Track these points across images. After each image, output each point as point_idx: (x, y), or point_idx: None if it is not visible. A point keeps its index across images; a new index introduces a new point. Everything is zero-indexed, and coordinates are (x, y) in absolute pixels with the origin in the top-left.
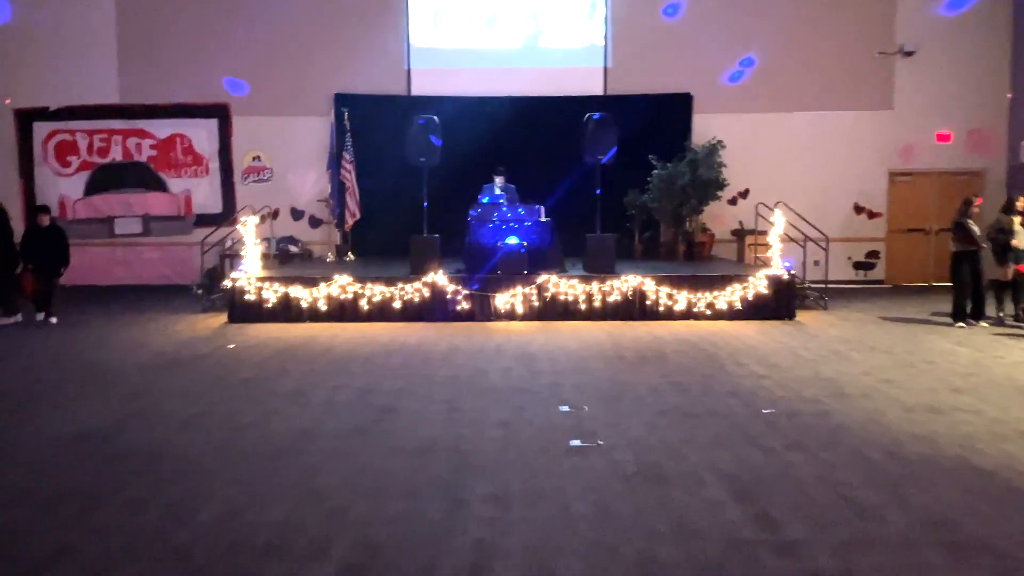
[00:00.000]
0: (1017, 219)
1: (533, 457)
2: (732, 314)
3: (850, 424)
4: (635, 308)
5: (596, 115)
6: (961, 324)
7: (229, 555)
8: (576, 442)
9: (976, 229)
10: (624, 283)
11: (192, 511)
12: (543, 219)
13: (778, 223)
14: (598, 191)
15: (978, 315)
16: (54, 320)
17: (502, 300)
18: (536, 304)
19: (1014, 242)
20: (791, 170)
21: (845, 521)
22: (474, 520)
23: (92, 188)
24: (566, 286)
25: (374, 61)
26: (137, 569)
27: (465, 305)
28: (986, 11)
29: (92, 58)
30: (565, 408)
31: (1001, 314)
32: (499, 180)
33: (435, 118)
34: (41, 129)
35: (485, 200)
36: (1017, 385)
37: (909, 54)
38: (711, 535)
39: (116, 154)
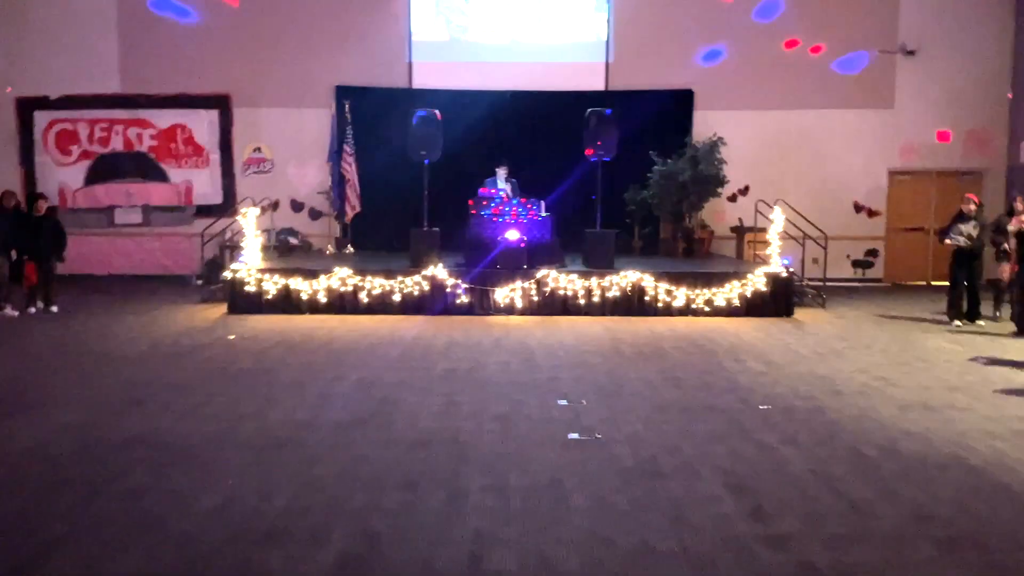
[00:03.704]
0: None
1: (531, 450)
2: (730, 311)
3: (844, 421)
4: (634, 304)
5: (597, 111)
6: (958, 323)
7: (229, 543)
8: (574, 435)
9: (965, 230)
10: (623, 279)
11: (192, 499)
12: (543, 214)
13: (777, 221)
14: (597, 190)
15: (974, 314)
16: (54, 309)
17: (501, 294)
18: (535, 299)
19: (1005, 245)
20: (791, 168)
21: (837, 515)
22: (472, 511)
23: (93, 178)
24: (565, 281)
25: (376, 54)
26: (137, 557)
27: (464, 299)
28: (987, 11)
29: (93, 47)
30: (563, 402)
31: (998, 314)
32: (502, 172)
33: (436, 112)
34: (42, 118)
35: (487, 193)
36: (1011, 384)
37: (911, 53)
38: (705, 528)
39: (117, 144)
